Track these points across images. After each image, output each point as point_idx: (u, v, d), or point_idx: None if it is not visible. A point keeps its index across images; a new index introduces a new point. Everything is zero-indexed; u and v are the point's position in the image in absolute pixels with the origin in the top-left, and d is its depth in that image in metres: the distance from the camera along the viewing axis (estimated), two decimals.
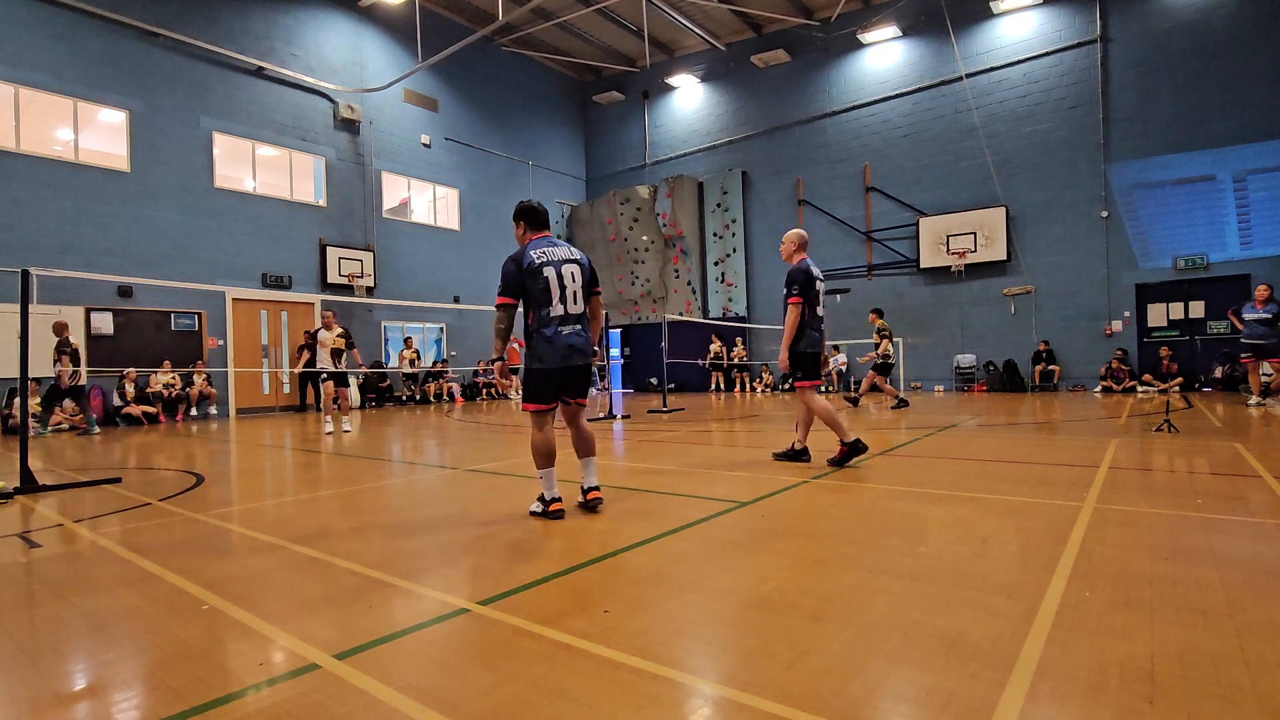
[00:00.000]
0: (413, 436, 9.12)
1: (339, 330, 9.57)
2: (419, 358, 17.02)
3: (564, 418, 4.03)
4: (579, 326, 3.80)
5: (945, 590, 2.45)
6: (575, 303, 3.78)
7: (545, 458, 3.81)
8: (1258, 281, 13.37)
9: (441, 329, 18.72)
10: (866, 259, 17.85)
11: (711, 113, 20.60)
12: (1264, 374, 10.72)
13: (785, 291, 5.32)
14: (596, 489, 3.93)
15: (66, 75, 12.25)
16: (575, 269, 3.81)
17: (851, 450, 5.21)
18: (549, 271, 3.72)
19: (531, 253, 3.75)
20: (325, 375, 9.42)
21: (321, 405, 9.61)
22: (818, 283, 5.36)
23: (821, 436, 6.17)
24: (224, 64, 14.38)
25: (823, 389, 5.69)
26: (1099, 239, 14.93)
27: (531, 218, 3.94)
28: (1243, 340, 10.15)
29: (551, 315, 3.72)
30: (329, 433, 9.22)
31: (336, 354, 9.44)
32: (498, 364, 3.85)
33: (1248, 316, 10.06)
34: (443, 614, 2.35)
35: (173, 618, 2.39)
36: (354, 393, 16.04)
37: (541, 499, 3.84)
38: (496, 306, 3.80)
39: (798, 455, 5.54)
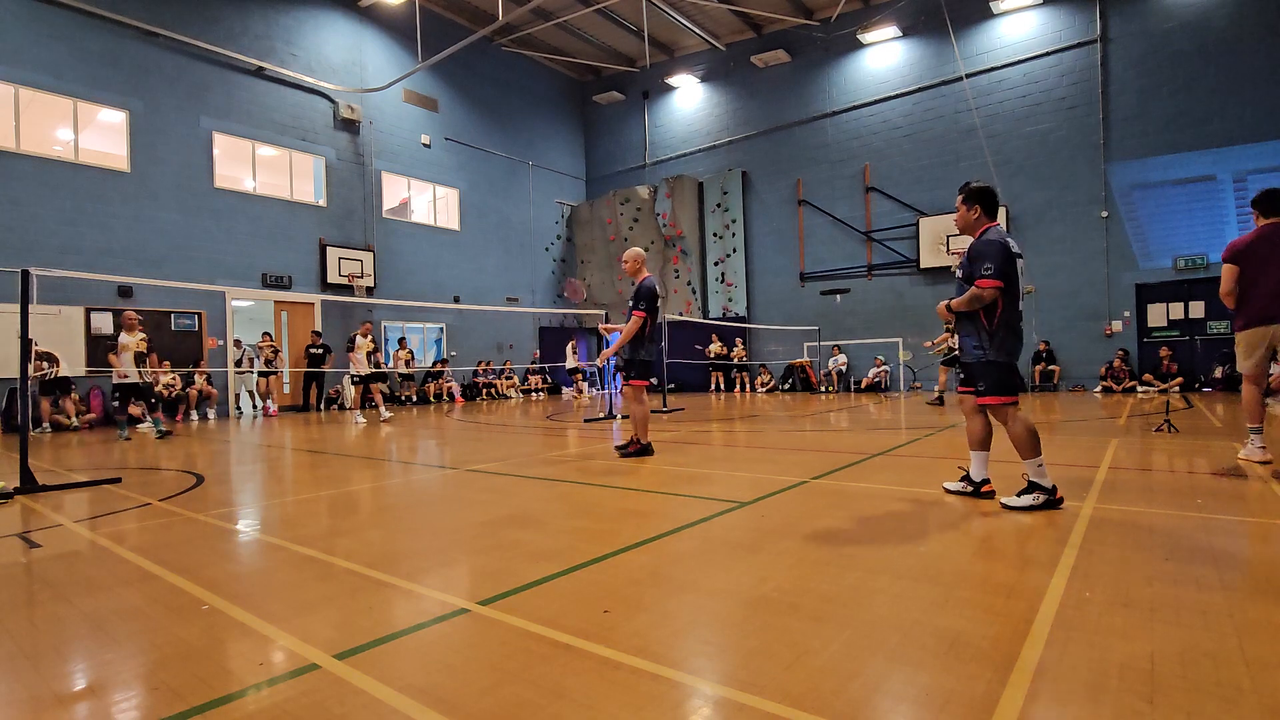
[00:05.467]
0: (411, 437, 9.12)
1: (141, 335, 9.49)
2: (413, 358, 16.99)
3: (966, 409, 3.95)
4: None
5: (945, 590, 2.45)
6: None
7: (983, 443, 3.86)
8: None
9: (441, 329, 18.71)
10: (866, 259, 17.85)
11: (711, 113, 20.60)
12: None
13: (632, 304, 6.03)
14: (988, 481, 3.90)
15: (66, 75, 12.25)
16: (1022, 263, 3.79)
17: (642, 450, 6.01)
18: (1021, 263, 3.72)
19: (1009, 239, 3.69)
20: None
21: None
22: (659, 299, 6.16)
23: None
24: (224, 64, 14.38)
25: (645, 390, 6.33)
26: (1099, 239, 14.93)
27: (991, 201, 3.83)
28: None
29: (1019, 308, 3.73)
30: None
31: (140, 358, 9.37)
32: (946, 305, 3.84)
33: None
34: (443, 614, 2.35)
35: (173, 618, 2.39)
36: (349, 393, 16.06)
37: (1039, 488, 3.62)
38: (983, 288, 3.60)
39: (643, 450, 6.15)
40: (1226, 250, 5.12)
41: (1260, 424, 5.00)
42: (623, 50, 21.17)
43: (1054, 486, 3.63)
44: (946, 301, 3.86)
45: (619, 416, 10.88)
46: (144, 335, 9.40)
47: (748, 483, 4.72)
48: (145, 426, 9.89)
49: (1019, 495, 3.66)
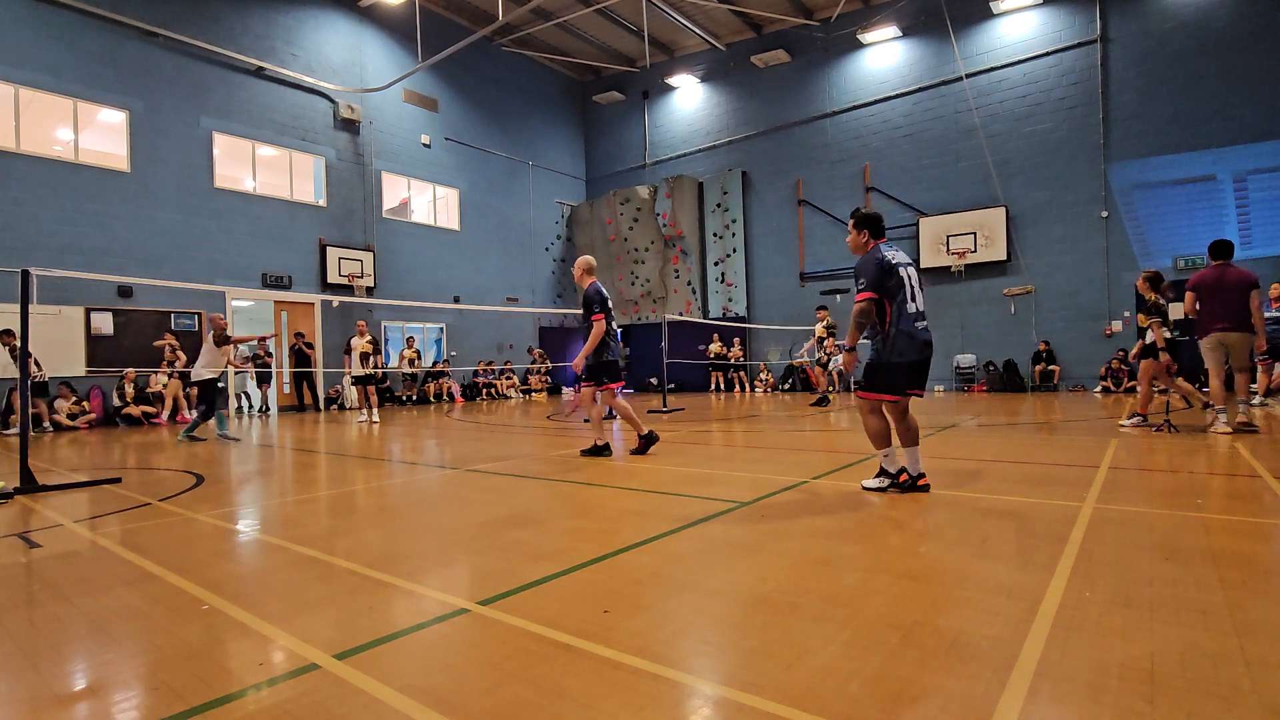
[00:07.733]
0: (411, 437, 9.12)
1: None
2: (419, 358, 16.99)
3: (893, 412, 4.18)
4: (928, 323, 4.21)
5: (945, 590, 2.45)
6: (921, 300, 4.19)
7: (884, 439, 4.19)
8: (1260, 282, 13.39)
9: (441, 329, 18.71)
10: None
11: (711, 113, 20.60)
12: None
13: (586, 309, 6.27)
14: (924, 475, 4.18)
15: (66, 75, 12.25)
16: (914, 271, 4.21)
17: (648, 440, 6.24)
18: (903, 272, 4.11)
19: (886, 254, 4.14)
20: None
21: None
22: (609, 302, 6.36)
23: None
24: (224, 64, 14.38)
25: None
26: (1099, 239, 14.93)
27: (877, 225, 4.30)
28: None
29: (909, 311, 4.09)
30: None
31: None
32: (847, 355, 4.27)
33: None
34: (443, 614, 2.35)
35: (173, 618, 2.39)
36: (351, 393, 16.06)
37: (885, 473, 4.23)
38: (859, 301, 4.08)
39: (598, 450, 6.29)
40: (1188, 282, 6.99)
41: (1223, 405, 6.68)
42: (623, 50, 21.16)
43: (899, 471, 4.18)
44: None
45: (619, 417, 10.88)
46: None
47: (748, 483, 4.72)
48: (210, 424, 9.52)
49: (873, 478, 4.32)
